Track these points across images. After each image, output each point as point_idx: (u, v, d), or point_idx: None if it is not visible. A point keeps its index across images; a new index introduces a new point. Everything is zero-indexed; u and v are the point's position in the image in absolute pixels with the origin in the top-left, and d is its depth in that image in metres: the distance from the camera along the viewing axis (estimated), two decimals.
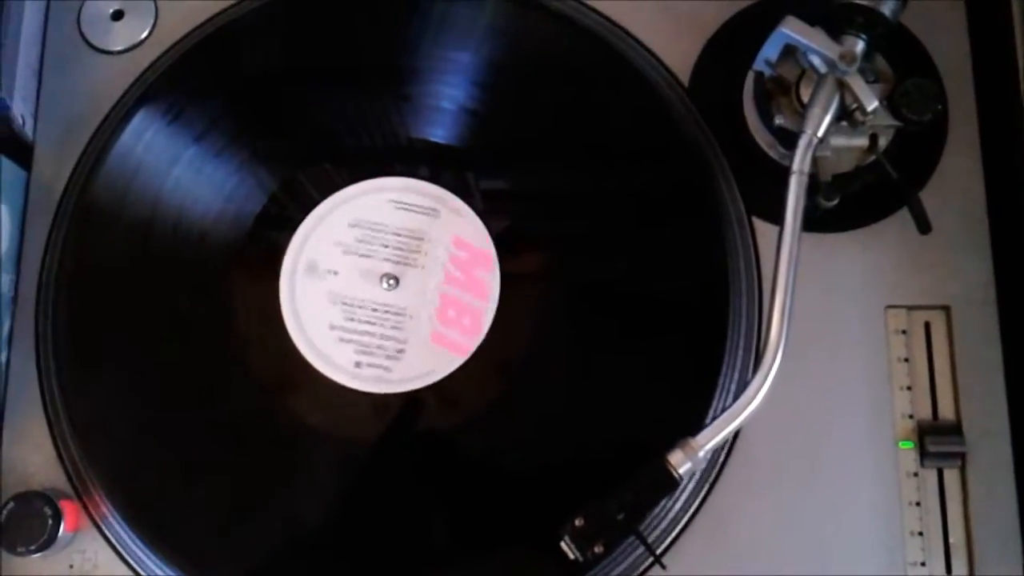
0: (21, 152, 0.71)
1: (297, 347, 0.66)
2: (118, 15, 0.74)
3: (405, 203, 0.69)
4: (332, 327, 0.67)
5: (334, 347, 0.66)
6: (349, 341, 0.67)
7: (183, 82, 0.71)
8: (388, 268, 0.67)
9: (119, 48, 0.74)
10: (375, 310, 0.67)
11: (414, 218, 0.68)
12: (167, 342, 0.67)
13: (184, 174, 0.69)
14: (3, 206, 0.68)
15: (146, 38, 0.74)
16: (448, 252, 0.67)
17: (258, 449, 0.65)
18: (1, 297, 0.68)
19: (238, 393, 0.66)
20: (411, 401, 0.65)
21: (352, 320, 0.67)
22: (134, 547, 0.64)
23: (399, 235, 0.68)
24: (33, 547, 0.62)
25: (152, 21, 0.74)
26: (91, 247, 0.68)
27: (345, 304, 0.67)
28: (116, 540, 0.65)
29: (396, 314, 0.67)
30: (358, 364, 0.66)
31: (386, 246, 0.68)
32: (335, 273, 0.68)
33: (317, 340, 0.66)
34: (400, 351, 0.66)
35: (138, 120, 0.70)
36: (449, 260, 0.67)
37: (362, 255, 0.68)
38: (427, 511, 0.64)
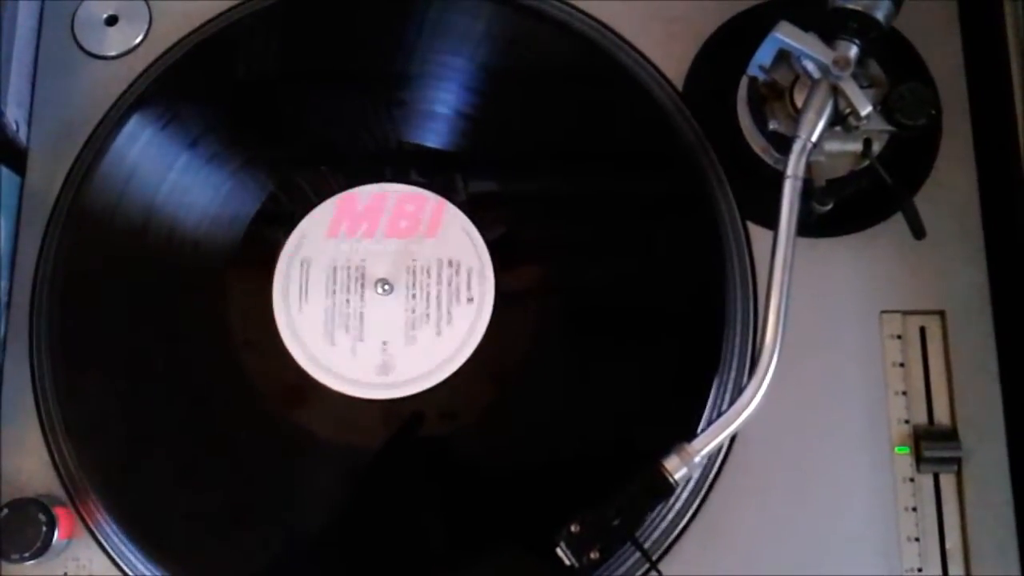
0: (15, 157, 0.71)
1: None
2: (112, 20, 0.74)
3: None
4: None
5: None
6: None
7: (177, 87, 0.71)
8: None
9: (113, 53, 0.74)
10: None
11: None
12: (161, 347, 0.67)
13: (178, 179, 0.69)
14: None
15: (140, 43, 0.74)
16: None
17: (253, 455, 0.65)
18: None
19: (233, 398, 0.66)
20: (407, 407, 0.65)
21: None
22: (128, 554, 0.64)
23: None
24: (27, 554, 0.62)
25: (146, 26, 0.74)
26: (85, 253, 0.68)
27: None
28: (110, 547, 0.65)
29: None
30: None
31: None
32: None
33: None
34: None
35: (132, 125, 0.70)
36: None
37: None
38: (424, 517, 0.64)
